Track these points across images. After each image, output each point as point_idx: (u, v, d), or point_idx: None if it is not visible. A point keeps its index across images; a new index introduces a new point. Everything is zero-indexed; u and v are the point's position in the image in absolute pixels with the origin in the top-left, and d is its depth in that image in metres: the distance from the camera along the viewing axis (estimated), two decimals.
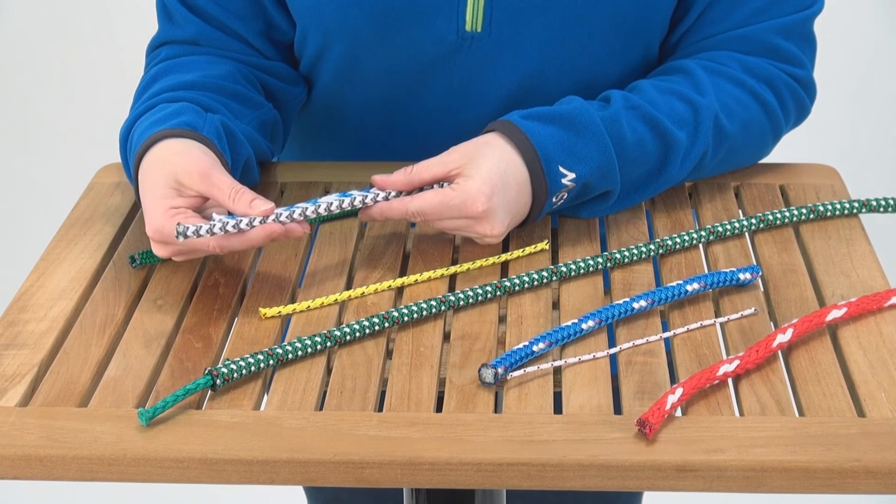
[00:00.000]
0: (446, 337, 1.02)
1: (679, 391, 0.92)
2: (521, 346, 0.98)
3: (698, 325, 1.03)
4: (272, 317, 1.04)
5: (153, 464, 0.89)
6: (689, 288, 1.05)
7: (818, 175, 1.26)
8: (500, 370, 0.95)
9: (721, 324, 1.03)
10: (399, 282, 1.09)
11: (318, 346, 0.99)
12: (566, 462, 0.88)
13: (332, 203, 1.08)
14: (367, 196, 1.09)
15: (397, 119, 1.27)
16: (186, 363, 0.99)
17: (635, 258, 1.12)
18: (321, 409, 0.94)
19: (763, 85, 1.21)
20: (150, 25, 1.29)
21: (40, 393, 0.95)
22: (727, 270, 1.07)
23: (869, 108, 2.94)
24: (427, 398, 0.94)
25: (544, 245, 1.14)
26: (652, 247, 1.13)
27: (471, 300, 1.05)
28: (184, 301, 1.07)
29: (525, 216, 1.13)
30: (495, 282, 1.07)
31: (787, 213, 1.17)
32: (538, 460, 0.88)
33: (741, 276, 1.07)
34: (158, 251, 1.05)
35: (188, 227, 1.01)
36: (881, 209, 1.20)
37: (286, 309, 1.05)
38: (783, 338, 0.98)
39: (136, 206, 1.19)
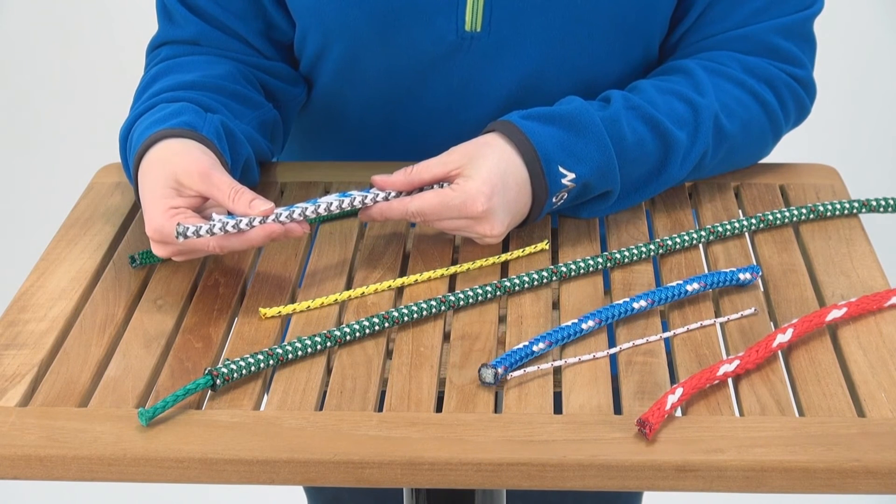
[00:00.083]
0: (446, 337, 1.02)
1: (679, 391, 0.92)
2: (521, 346, 0.98)
3: (698, 325, 1.03)
4: (272, 317, 1.04)
5: (153, 464, 0.89)
6: (689, 288, 1.05)
7: (818, 175, 1.26)
8: (500, 370, 0.95)
9: (721, 324, 1.03)
10: (399, 282, 1.09)
11: (318, 346, 0.99)
12: (566, 462, 0.87)
13: (332, 203, 1.08)
14: (367, 196, 1.09)
15: (397, 119, 1.27)
16: (186, 363, 0.99)
17: (635, 258, 1.12)
18: (321, 409, 0.94)
19: (763, 85, 1.21)
20: (150, 25, 1.29)
21: (40, 393, 0.95)
22: (727, 270, 1.07)
23: (869, 108, 2.94)
24: (427, 398, 0.94)
25: (544, 245, 1.14)
26: (652, 247, 1.13)
27: (471, 300, 1.05)
28: (184, 301, 1.07)
29: (525, 216, 1.13)
30: (495, 282, 1.07)
31: (787, 213, 1.17)
32: (538, 460, 0.88)
33: (741, 276, 1.07)
34: (158, 251, 1.05)
35: (188, 228, 1.01)
36: (881, 209, 1.20)
37: (286, 309, 1.05)
38: (783, 338, 0.98)
39: (136, 206, 1.19)
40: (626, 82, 1.23)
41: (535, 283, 1.08)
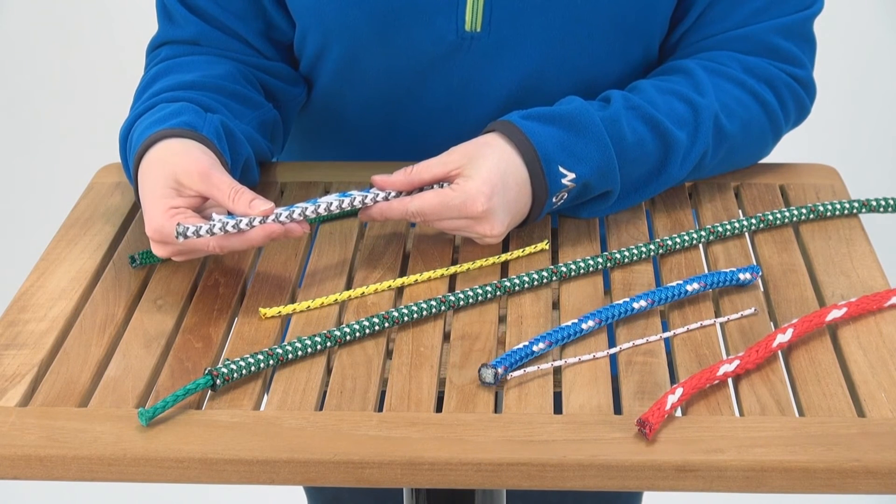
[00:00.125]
0: (446, 337, 1.02)
1: (679, 391, 0.92)
2: (521, 346, 0.98)
3: (698, 325, 1.03)
4: (272, 317, 1.04)
5: (153, 464, 0.89)
6: (689, 288, 1.05)
7: (818, 175, 1.26)
8: (500, 370, 0.95)
9: (721, 324, 1.03)
10: (399, 282, 1.09)
11: (318, 346, 0.99)
12: (566, 462, 0.87)
13: (332, 203, 1.08)
14: (367, 196, 1.09)
15: (397, 119, 1.27)
16: (186, 363, 0.99)
17: (635, 258, 1.12)
18: (321, 409, 0.94)
19: (763, 85, 1.21)
20: (150, 25, 1.29)
21: (40, 393, 0.95)
22: (727, 270, 1.07)
23: (869, 108, 2.94)
24: (427, 398, 0.94)
25: (544, 245, 1.14)
26: (652, 247, 1.13)
27: (471, 300, 1.05)
28: (184, 301, 1.07)
29: (525, 216, 1.13)
30: (495, 282, 1.07)
31: (787, 213, 1.17)
32: (538, 460, 0.88)
33: (741, 276, 1.07)
34: (158, 251, 1.05)
35: (188, 227, 1.01)
36: (881, 209, 1.20)
37: (286, 309, 1.05)
38: (783, 338, 0.98)
39: (136, 206, 1.19)
40: (626, 82, 1.23)
41: (535, 283, 1.08)
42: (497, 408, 0.94)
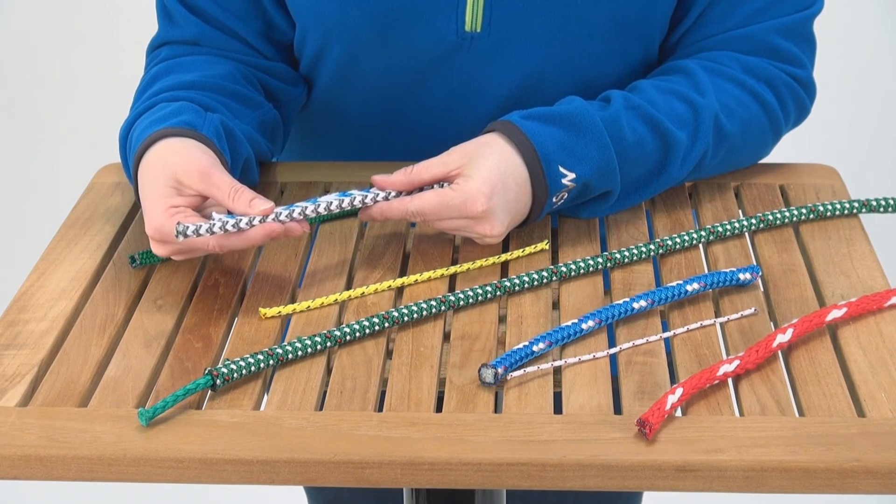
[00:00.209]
0: (446, 337, 1.02)
1: (679, 391, 0.92)
2: (521, 346, 0.98)
3: (698, 325, 1.03)
4: (272, 317, 1.04)
5: (153, 464, 0.89)
6: (689, 288, 1.05)
7: (818, 175, 1.26)
8: (500, 370, 0.95)
9: (721, 324, 1.03)
10: (399, 282, 1.09)
11: (318, 346, 0.99)
12: (566, 462, 0.87)
13: (332, 203, 1.08)
14: (367, 196, 1.09)
15: (397, 119, 1.27)
16: (186, 363, 0.99)
17: (635, 258, 1.12)
18: (321, 409, 0.94)
19: (763, 85, 1.21)
20: (150, 25, 1.29)
21: (40, 393, 0.95)
22: (727, 270, 1.07)
23: (869, 108, 2.94)
24: (427, 398, 0.94)
25: (544, 245, 1.14)
26: (652, 247, 1.13)
27: (471, 300, 1.05)
28: (184, 301, 1.07)
29: (525, 216, 1.13)
30: (495, 282, 1.07)
31: (787, 213, 1.17)
32: (538, 460, 0.88)
33: (741, 276, 1.07)
34: (158, 250, 1.05)
35: (188, 227, 1.01)
36: (881, 209, 1.20)
37: (286, 309, 1.05)
38: (783, 338, 0.98)
39: (136, 206, 1.19)
40: (626, 82, 1.23)
41: (535, 283, 1.08)
42: (497, 408, 0.94)
